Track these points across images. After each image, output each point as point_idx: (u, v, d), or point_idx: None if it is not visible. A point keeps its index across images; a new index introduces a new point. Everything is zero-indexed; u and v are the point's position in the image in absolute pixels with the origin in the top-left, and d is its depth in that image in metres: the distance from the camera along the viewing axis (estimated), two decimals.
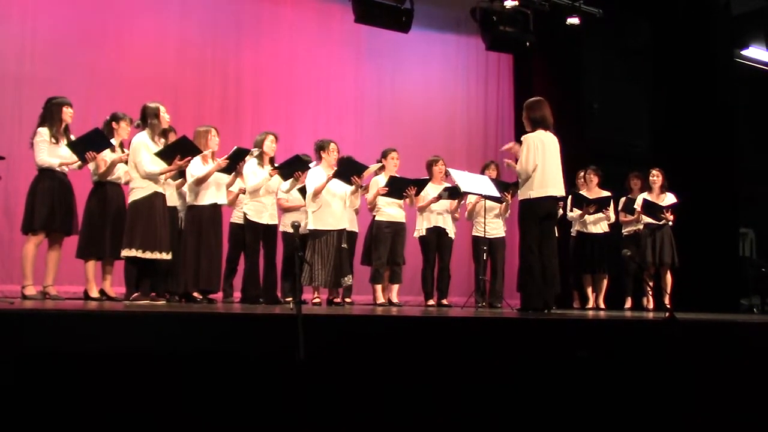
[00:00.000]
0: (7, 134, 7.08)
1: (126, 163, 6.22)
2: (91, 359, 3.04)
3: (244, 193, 6.92)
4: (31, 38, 7.68)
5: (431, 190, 7.70)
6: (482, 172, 8.02)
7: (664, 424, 4.03)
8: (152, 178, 5.94)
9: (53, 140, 6.01)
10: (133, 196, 5.95)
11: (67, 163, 6.05)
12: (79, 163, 6.10)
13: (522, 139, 6.05)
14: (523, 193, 5.98)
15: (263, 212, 6.82)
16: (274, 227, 6.95)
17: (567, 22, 9.93)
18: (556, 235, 6.33)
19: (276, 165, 6.82)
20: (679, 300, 8.01)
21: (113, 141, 6.29)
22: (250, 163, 6.77)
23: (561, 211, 8.27)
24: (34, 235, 6.00)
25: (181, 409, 3.09)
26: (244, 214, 6.86)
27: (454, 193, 7.56)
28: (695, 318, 5.77)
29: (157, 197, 5.98)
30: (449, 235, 7.84)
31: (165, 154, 5.95)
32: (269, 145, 6.87)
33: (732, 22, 10.98)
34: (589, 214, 8.42)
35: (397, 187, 7.31)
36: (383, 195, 7.34)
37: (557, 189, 5.99)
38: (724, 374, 4.35)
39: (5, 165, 5.60)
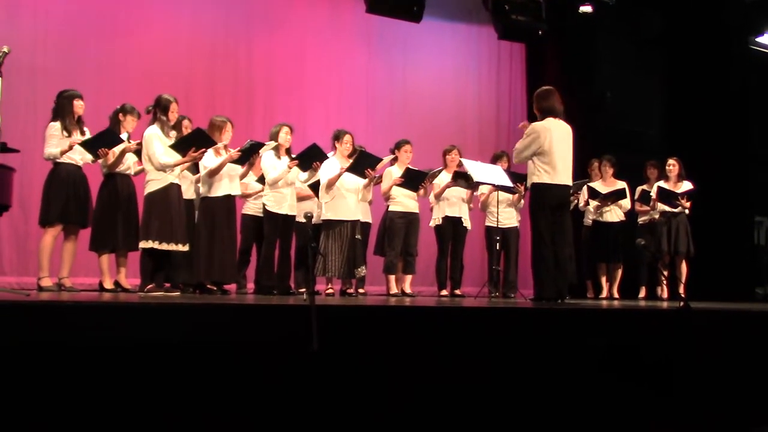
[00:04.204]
0: (21, 127, 7.10)
1: (135, 153, 6.26)
2: (106, 351, 3.05)
3: (260, 181, 6.94)
4: (44, 30, 7.71)
5: (445, 178, 7.70)
6: (493, 163, 8.00)
7: (679, 413, 4.02)
8: (167, 169, 5.96)
9: (65, 133, 6.05)
10: (148, 189, 5.96)
11: (65, 150, 6.03)
12: (92, 158, 6.15)
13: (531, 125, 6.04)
14: (530, 179, 5.97)
15: (283, 202, 6.83)
16: (292, 218, 6.95)
17: (580, 11, 9.87)
18: (570, 225, 6.27)
19: (294, 156, 6.82)
20: (693, 289, 7.97)
21: (123, 136, 6.30)
22: (267, 156, 6.79)
23: (574, 202, 8.25)
24: (52, 227, 6.04)
25: (195, 399, 3.11)
26: (263, 204, 6.86)
27: (467, 180, 7.52)
28: (710, 307, 5.74)
29: (172, 189, 5.99)
30: (464, 225, 7.84)
31: (179, 146, 5.97)
32: (284, 137, 6.89)
33: (746, 9, 10.88)
34: (606, 206, 8.39)
35: (412, 179, 7.30)
36: (398, 185, 7.34)
37: (565, 177, 5.92)
38: (739, 364, 4.34)
39: (20, 158, 5.63)
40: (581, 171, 8.39)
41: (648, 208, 8.54)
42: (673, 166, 8.43)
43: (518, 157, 6.03)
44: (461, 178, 7.55)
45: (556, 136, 5.86)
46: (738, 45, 10.90)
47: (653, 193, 8.39)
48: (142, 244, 5.89)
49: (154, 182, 5.94)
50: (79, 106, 6.17)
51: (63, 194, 6.01)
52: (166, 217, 5.89)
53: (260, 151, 6.72)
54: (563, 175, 5.89)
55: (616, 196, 8.34)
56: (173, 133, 6.13)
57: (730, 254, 9.93)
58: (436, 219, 7.81)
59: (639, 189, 8.70)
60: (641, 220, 8.72)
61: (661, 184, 8.40)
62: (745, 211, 10.71)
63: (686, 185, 8.37)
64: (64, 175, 6.05)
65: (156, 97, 6.13)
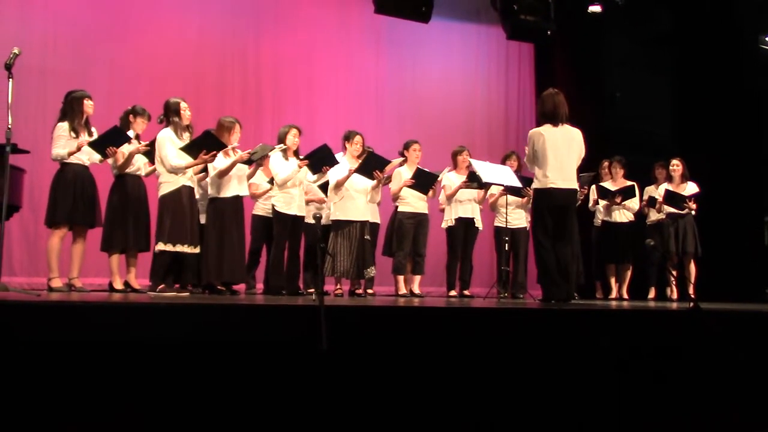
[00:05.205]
0: (31, 128, 7.14)
1: (144, 154, 6.29)
2: (116, 351, 3.07)
3: (271, 182, 6.95)
4: (54, 32, 7.77)
5: (455, 179, 7.69)
6: (503, 163, 8.00)
7: (688, 414, 4.00)
8: (178, 171, 5.98)
9: (73, 134, 6.06)
10: (161, 191, 6.00)
11: (73, 151, 6.04)
12: (100, 157, 6.17)
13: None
14: (534, 184, 5.99)
15: (292, 203, 6.84)
16: (301, 218, 6.96)
17: (589, 10, 9.85)
18: (576, 228, 6.20)
19: (303, 156, 6.83)
20: (703, 290, 7.94)
21: (130, 133, 6.32)
22: (276, 157, 6.81)
23: (581, 198, 8.22)
24: (58, 228, 6.06)
25: (204, 399, 3.12)
26: (273, 205, 6.87)
27: (479, 180, 7.50)
28: (719, 308, 5.72)
29: (184, 191, 6.02)
30: (476, 225, 7.83)
31: (190, 149, 5.99)
32: (291, 139, 6.89)
33: (756, 8, 10.83)
34: (616, 204, 8.37)
35: (423, 181, 7.30)
36: (409, 187, 7.34)
37: (563, 181, 5.83)
38: (748, 364, 4.32)
39: (30, 159, 5.66)
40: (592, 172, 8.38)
41: (654, 210, 8.54)
42: (677, 166, 8.42)
43: (529, 167, 6.09)
44: (473, 180, 7.55)
45: (549, 141, 5.82)
46: (748, 44, 10.85)
47: (659, 196, 8.38)
48: (159, 247, 5.91)
49: (167, 184, 5.98)
50: (88, 106, 6.19)
51: (70, 195, 6.02)
52: (177, 219, 5.93)
53: (269, 153, 6.75)
54: (560, 180, 5.81)
55: (625, 193, 8.33)
56: (186, 135, 6.15)
57: (740, 255, 9.89)
58: (448, 220, 7.79)
59: (647, 191, 8.67)
60: (650, 220, 8.70)
61: (667, 186, 8.39)
62: (755, 211, 10.66)
63: (691, 186, 8.36)
64: (71, 175, 6.06)
65: (164, 103, 6.17)
